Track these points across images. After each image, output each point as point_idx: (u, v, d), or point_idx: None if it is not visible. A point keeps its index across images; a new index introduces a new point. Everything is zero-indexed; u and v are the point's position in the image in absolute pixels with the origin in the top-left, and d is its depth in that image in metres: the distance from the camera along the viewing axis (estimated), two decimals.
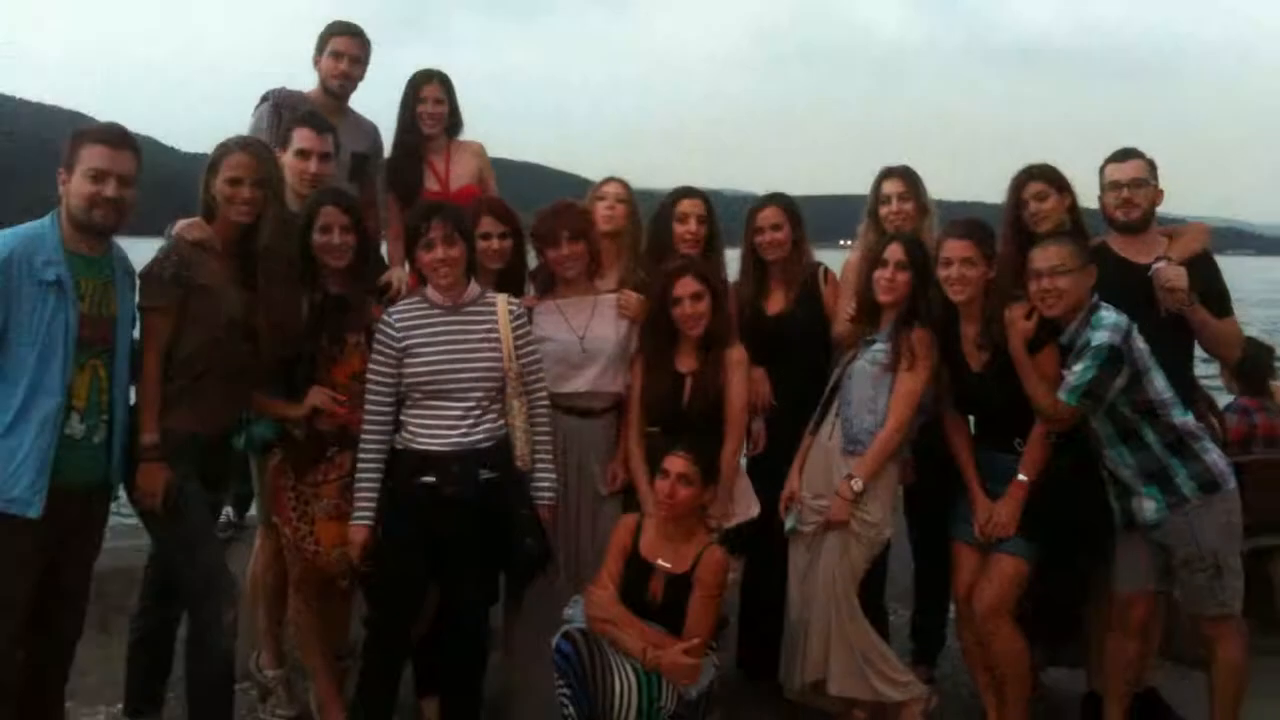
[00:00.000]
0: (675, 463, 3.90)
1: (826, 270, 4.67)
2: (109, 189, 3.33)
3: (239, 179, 3.66)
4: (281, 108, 4.80)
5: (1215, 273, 4.22)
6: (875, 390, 4.10)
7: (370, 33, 4.98)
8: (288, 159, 4.21)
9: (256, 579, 4.30)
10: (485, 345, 3.84)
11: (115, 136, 3.40)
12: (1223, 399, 5.40)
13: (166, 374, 3.58)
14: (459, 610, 3.89)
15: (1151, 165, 4.23)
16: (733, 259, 4.73)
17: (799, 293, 4.58)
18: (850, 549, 4.09)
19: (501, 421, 3.85)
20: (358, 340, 3.93)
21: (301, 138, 4.26)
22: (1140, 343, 3.82)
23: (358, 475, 3.82)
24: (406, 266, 4.13)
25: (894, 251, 4.13)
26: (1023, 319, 3.94)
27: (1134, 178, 4.19)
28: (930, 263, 4.10)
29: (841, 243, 5.71)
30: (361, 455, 3.82)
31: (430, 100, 4.94)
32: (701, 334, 4.20)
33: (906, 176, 4.65)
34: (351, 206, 4.00)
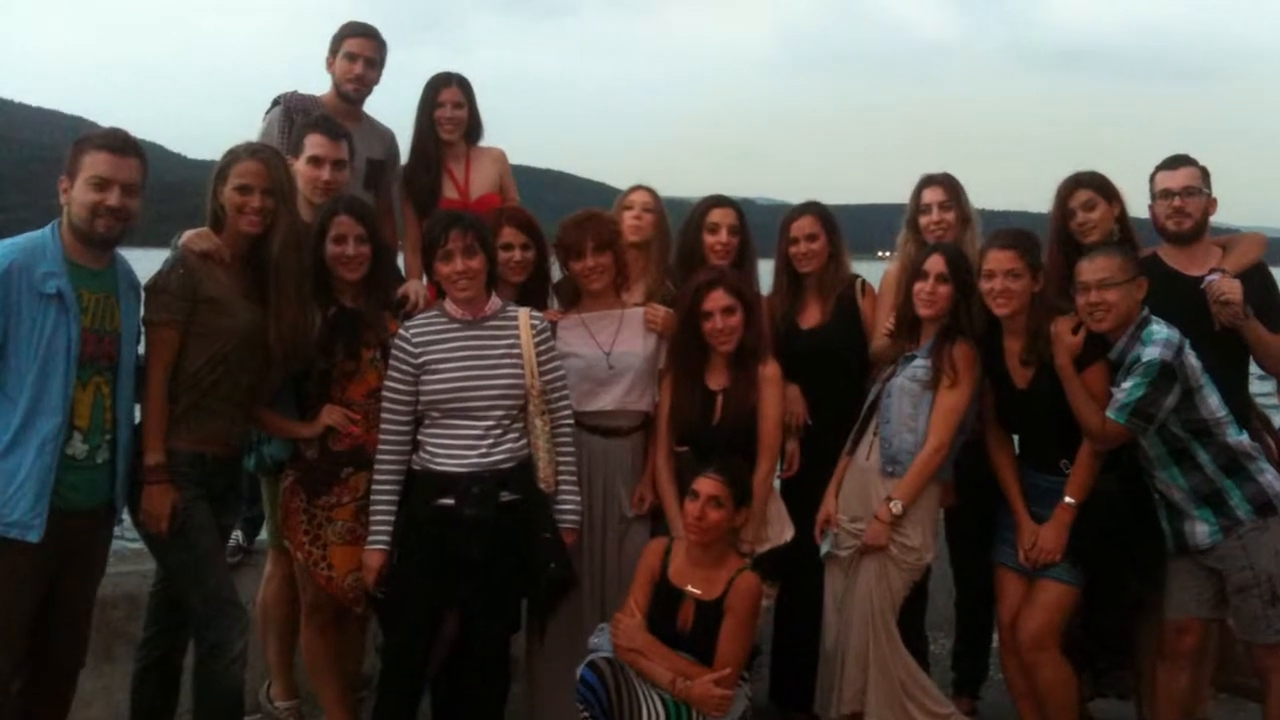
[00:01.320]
0: (706, 484, 3.84)
1: (864, 283, 4.62)
2: (112, 198, 3.27)
3: (249, 187, 3.60)
4: (293, 112, 4.75)
5: (1272, 285, 4.15)
6: (915, 408, 4.04)
7: (385, 34, 4.92)
8: (300, 166, 4.17)
9: (267, 606, 4.26)
10: (506, 361, 3.77)
11: (119, 143, 3.34)
12: (1278, 418, 5.28)
13: (172, 392, 3.53)
14: (479, 638, 3.82)
15: (1204, 172, 4.16)
16: (765, 271, 4.69)
17: (835, 306, 4.52)
18: (889, 574, 4.05)
19: (523, 441, 3.80)
20: (373, 356, 3.88)
21: (314, 144, 4.22)
22: (1193, 359, 3.76)
23: (373, 497, 3.77)
24: (424, 279, 4.10)
25: (935, 263, 4.06)
26: (1070, 333, 3.89)
27: (1186, 186, 4.11)
28: (972, 275, 4.05)
29: (880, 254, 5.70)
30: (377, 476, 3.76)
31: (449, 105, 4.89)
32: (733, 349, 4.14)
33: (947, 184, 4.58)
34: (367, 216, 3.96)
